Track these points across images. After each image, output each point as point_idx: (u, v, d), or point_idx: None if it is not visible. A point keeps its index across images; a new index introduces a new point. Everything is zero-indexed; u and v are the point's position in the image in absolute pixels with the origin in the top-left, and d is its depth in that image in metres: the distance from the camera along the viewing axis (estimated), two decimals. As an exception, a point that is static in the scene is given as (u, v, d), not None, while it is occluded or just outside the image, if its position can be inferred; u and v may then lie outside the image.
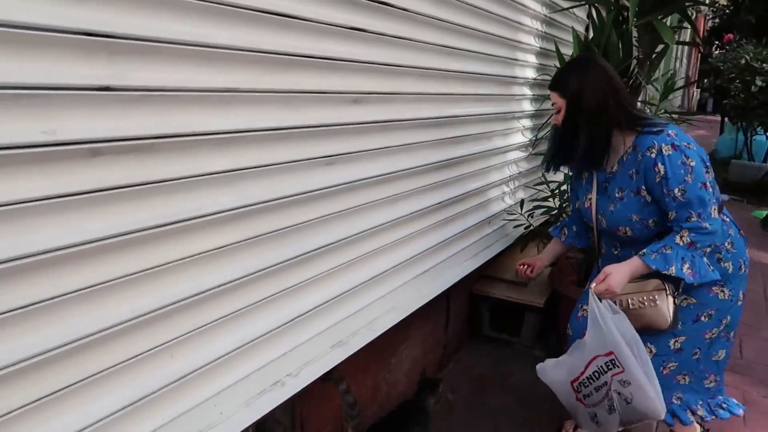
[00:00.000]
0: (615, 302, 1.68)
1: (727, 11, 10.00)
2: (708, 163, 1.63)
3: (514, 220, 2.92)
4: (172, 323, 1.21)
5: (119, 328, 1.10)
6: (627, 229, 1.75)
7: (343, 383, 1.73)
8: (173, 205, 1.17)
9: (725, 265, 1.70)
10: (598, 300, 1.67)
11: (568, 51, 3.06)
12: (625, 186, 1.72)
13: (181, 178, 1.18)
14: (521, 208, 2.89)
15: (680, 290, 1.69)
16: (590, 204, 1.86)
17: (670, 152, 1.58)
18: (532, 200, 2.97)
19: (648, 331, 1.69)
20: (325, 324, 1.67)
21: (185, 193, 1.20)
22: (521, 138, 3.03)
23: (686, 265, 1.57)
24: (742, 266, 1.73)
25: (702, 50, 15.58)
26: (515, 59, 2.75)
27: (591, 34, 2.98)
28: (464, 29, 2.18)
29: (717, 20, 10.43)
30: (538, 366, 1.94)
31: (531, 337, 2.88)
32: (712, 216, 1.58)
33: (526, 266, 2.10)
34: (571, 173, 2.10)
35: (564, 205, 2.78)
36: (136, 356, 1.15)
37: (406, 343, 2.31)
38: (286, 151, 1.43)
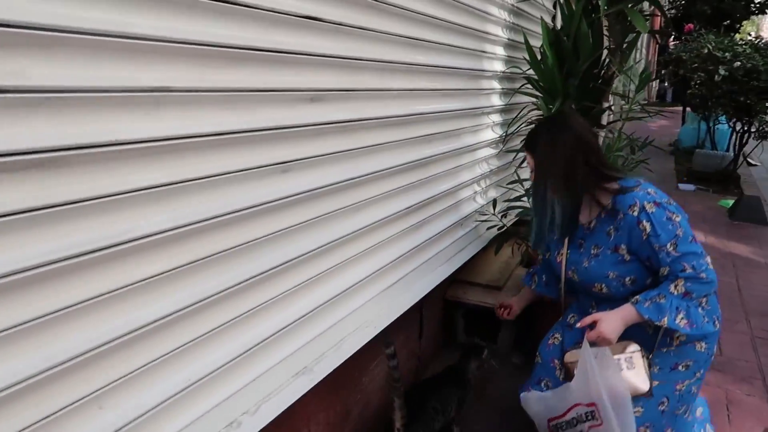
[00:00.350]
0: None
1: (683, 1, 10.16)
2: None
3: (486, 220, 2.78)
4: (98, 369, 1.02)
5: (28, 383, 0.90)
6: (602, 285, 1.71)
7: (391, 347, 1.75)
8: (94, 230, 0.98)
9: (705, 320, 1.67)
10: (590, 348, 1.61)
11: (537, 42, 2.93)
12: (601, 243, 1.70)
13: (101, 196, 0.98)
14: (494, 208, 2.75)
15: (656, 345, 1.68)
16: (561, 259, 1.84)
17: (654, 210, 1.57)
18: (506, 200, 2.84)
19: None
20: (286, 351, 1.48)
21: (108, 214, 1.00)
22: (491, 134, 2.89)
23: (680, 315, 1.52)
24: (716, 322, 1.66)
25: (659, 41, 15.87)
26: (483, 51, 2.61)
27: (560, 24, 2.85)
28: (429, 19, 2.01)
29: (674, 11, 10.58)
30: (522, 395, 1.92)
31: (508, 343, 2.75)
32: (708, 267, 1.55)
33: (503, 309, 2.18)
34: None
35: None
36: (56, 412, 0.95)
37: (377, 360, 2.14)
38: (232, 160, 1.24)
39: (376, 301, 1.88)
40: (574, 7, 2.65)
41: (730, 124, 6.64)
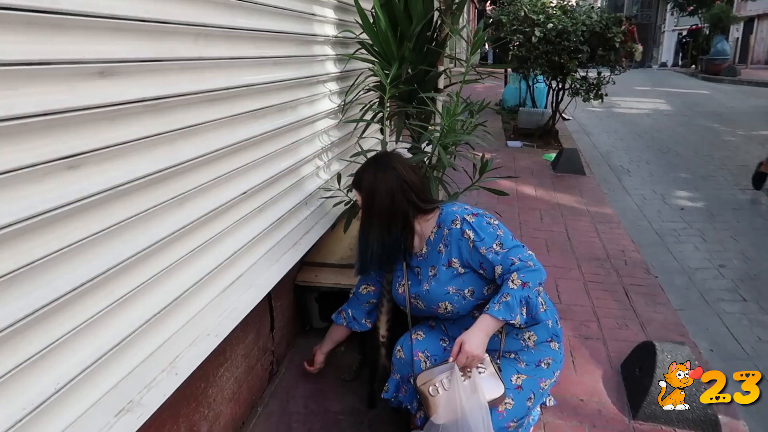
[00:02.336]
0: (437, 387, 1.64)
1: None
2: None
3: (332, 197, 2.62)
4: None
5: None
6: (446, 303, 1.73)
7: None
8: None
9: (546, 321, 1.76)
10: (461, 378, 1.58)
11: (368, 5, 2.78)
12: (435, 263, 1.75)
13: None
14: (339, 182, 2.59)
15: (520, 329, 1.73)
16: (404, 290, 1.85)
17: (473, 219, 1.69)
18: (351, 174, 2.69)
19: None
20: (103, 387, 1.20)
21: None
22: (329, 104, 2.71)
23: (525, 309, 1.57)
24: (558, 322, 1.83)
25: (477, 5, 16.77)
26: (313, 14, 2.39)
27: (390, -15, 2.72)
28: (248, -25, 1.75)
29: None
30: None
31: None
32: (533, 256, 1.63)
33: (307, 364, 2.28)
34: None
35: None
36: None
37: (225, 366, 1.91)
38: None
39: (215, 306, 1.64)
40: (402, -34, 2.54)
41: (547, 82, 7.17)
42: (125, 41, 1.24)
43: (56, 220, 1.06)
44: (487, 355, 1.63)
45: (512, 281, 1.57)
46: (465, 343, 1.57)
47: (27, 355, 1.01)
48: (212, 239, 1.64)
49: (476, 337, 1.57)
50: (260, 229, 1.96)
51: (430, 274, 1.76)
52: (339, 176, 2.56)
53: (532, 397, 1.70)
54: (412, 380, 1.80)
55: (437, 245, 1.75)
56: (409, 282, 1.84)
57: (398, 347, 1.90)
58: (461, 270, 1.70)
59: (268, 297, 2.24)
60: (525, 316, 1.57)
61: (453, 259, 1.70)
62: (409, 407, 1.89)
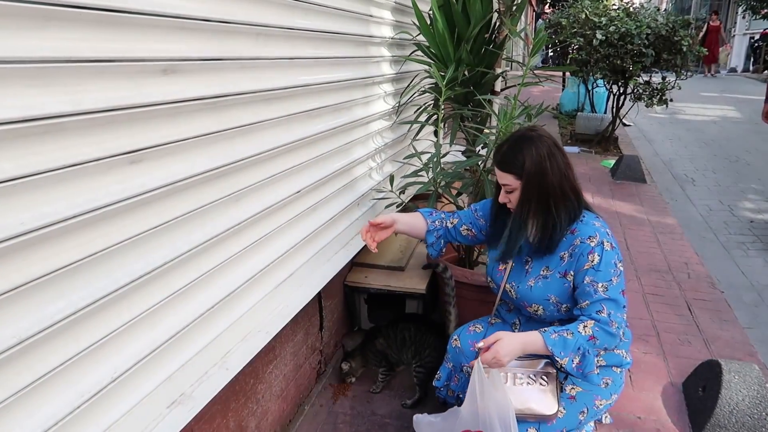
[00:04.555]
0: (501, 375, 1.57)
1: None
2: None
3: (384, 198, 2.61)
4: None
5: None
6: (540, 307, 1.67)
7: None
8: None
9: (618, 352, 1.71)
10: (482, 369, 1.51)
11: (426, 6, 2.76)
12: (553, 267, 1.64)
13: None
14: (391, 184, 2.59)
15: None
16: (506, 269, 1.74)
17: (609, 249, 1.56)
18: (403, 176, 2.68)
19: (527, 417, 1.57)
20: (155, 379, 1.23)
21: None
22: (384, 105, 2.70)
23: (577, 360, 1.49)
24: (627, 356, 1.74)
25: (536, 8, 16.47)
26: (370, 15, 2.39)
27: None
28: (308, -24, 1.77)
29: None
30: (415, 417, 1.86)
31: (414, 325, 2.62)
32: (622, 321, 1.54)
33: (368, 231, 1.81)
34: (485, 215, 1.88)
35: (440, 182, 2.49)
36: None
37: (274, 363, 1.92)
38: (53, 153, 0.95)
39: (267, 303, 1.66)
40: (462, -33, 2.51)
41: (607, 87, 6.94)
42: (189, 40, 1.26)
43: (118, 213, 1.09)
44: (554, 370, 1.59)
45: (584, 327, 1.50)
46: (500, 342, 1.49)
47: (87, 344, 1.04)
48: (265, 237, 1.65)
49: (512, 345, 1.50)
50: (312, 228, 1.97)
51: (542, 273, 1.65)
52: (392, 178, 2.55)
53: (585, 411, 1.63)
54: (464, 370, 1.80)
55: (562, 250, 1.61)
56: (513, 264, 1.73)
57: (455, 336, 1.87)
58: (571, 285, 1.61)
59: (318, 296, 2.25)
60: (574, 366, 1.49)
61: (570, 271, 1.59)
62: (461, 395, 1.83)
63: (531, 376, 1.62)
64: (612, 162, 5.99)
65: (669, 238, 4.08)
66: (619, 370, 1.72)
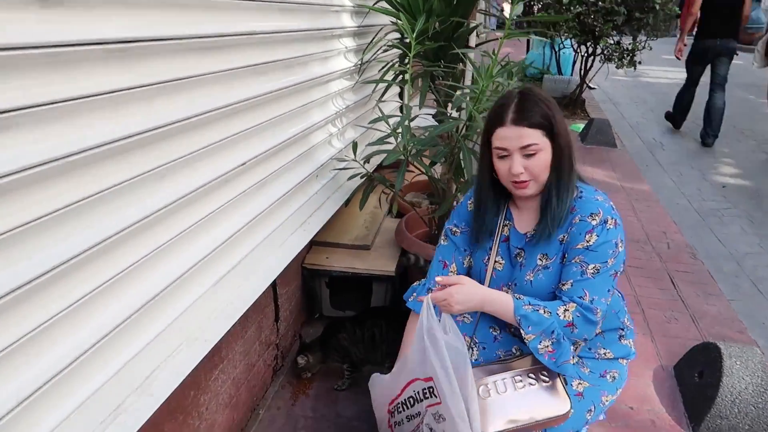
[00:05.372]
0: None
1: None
2: None
3: (346, 168, 2.30)
4: None
5: None
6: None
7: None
8: None
9: (625, 342, 1.52)
10: (433, 309, 1.31)
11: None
12: (552, 252, 1.37)
13: None
14: (354, 152, 2.27)
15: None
16: (491, 270, 1.46)
17: (611, 227, 1.31)
18: (368, 143, 2.36)
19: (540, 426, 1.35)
20: (49, 423, 0.92)
21: None
22: (345, 63, 2.37)
23: (548, 342, 1.29)
24: (633, 346, 1.54)
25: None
26: (327, -46, 2.04)
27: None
28: None
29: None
30: (372, 376, 1.58)
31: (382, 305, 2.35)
32: (604, 308, 1.32)
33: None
34: (451, 231, 1.57)
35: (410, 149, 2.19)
36: None
37: (220, 368, 1.63)
38: None
39: (202, 305, 1.34)
40: None
41: (575, 48, 6.70)
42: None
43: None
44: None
45: (565, 310, 1.30)
46: (459, 287, 1.30)
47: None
48: (199, 223, 1.34)
49: (471, 295, 1.31)
50: (261, 207, 1.65)
51: (540, 263, 1.38)
52: (355, 145, 2.24)
53: (593, 409, 1.41)
54: None
55: (560, 233, 1.36)
56: (502, 261, 1.45)
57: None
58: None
59: (272, 285, 1.95)
60: (543, 349, 1.29)
61: (566, 253, 1.35)
62: None
63: (530, 375, 1.37)
64: (581, 126, 5.80)
65: (645, 206, 3.91)
66: (625, 362, 1.51)
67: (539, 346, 1.29)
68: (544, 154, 1.29)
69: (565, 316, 1.29)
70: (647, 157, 5.37)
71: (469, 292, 1.31)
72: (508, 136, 1.28)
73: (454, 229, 1.56)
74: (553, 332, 1.28)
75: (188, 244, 1.30)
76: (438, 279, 1.34)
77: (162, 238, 1.19)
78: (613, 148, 5.29)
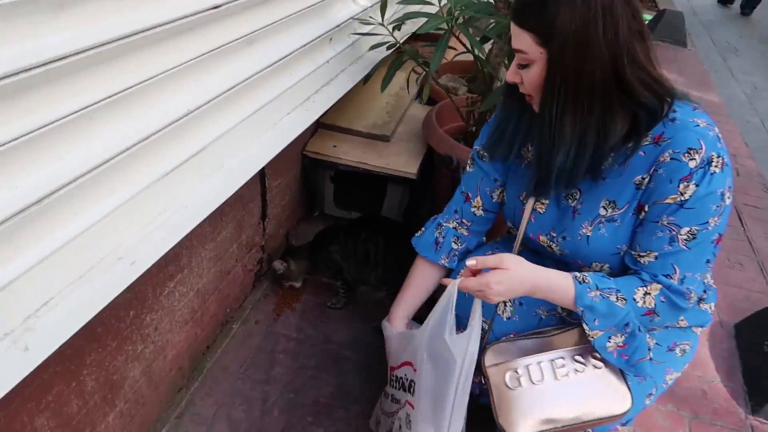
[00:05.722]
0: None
1: None
2: None
3: (370, 34, 1.79)
4: None
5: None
6: (605, 265, 1.05)
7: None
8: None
9: (705, 307, 1.15)
10: (454, 302, 0.99)
11: None
12: (622, 200, 0.99)
13: None
14: (382, 14, 1.74)
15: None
16: (528, 213, 1.09)
17: (717, 171, 0.90)
18: (400, 1, 1.82)
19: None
20: None
21: None
22: None
23: (619, 339, 0.98)
24: (712, 309, 1.18)
25: None
26: None
27: None
28: None
29: None
30: (384, 323, 1.27)
31: (396, 214, 1.95)
32: (700, 289, 0.98)
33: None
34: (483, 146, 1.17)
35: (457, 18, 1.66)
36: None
37: (177, 278, 1.27)
38: None
39: (148, 197, 0.94)
40: None
41: None
42: None
43: None
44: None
45: (646, 293, 0.96)
46: (501, 273, 0.94)
47: None
48: (149, 81, 0.90)
49: (517, 283, 0.96)
50: (246, 73, 1.20)
51: (603, 214, 1.00)
52: (384, 4, 1.71)
53: (653, 392, 1.11)
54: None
55: (638, 172, 0.96)
56: (545, 201, 1.08)
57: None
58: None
59: (260, 172, 1.54)
60: (611, 346, 0.98)
61: (647, 204, 0.96)
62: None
63: (576, 358, 1.03)
64: (649, 17, 5.03)
65: (714, 120, 3.37)
66: (700, 330, 1.18)
67: (608, 344, 0.98)
68: (537, 69, 0.91)
69: (645, 302, 0.96)
70: (717, 62, 4.68)
71: (514, 279, 0.95)
72: (511, 32, 0.93)
73: (482, 152, 1.16)
74: (627, 324, 0.97)
75: (122, 120, 0.86)
76: (469, 262, 0.97)
77: (78, 103, 0.76)
78: (682, 47, 4.59)
